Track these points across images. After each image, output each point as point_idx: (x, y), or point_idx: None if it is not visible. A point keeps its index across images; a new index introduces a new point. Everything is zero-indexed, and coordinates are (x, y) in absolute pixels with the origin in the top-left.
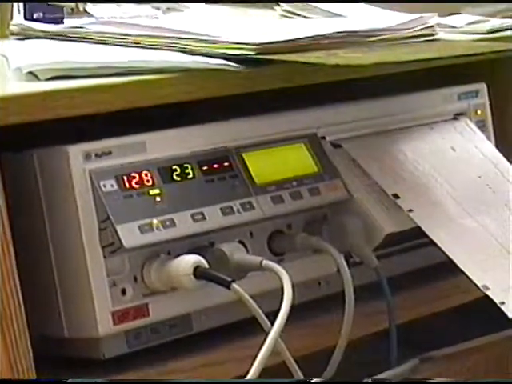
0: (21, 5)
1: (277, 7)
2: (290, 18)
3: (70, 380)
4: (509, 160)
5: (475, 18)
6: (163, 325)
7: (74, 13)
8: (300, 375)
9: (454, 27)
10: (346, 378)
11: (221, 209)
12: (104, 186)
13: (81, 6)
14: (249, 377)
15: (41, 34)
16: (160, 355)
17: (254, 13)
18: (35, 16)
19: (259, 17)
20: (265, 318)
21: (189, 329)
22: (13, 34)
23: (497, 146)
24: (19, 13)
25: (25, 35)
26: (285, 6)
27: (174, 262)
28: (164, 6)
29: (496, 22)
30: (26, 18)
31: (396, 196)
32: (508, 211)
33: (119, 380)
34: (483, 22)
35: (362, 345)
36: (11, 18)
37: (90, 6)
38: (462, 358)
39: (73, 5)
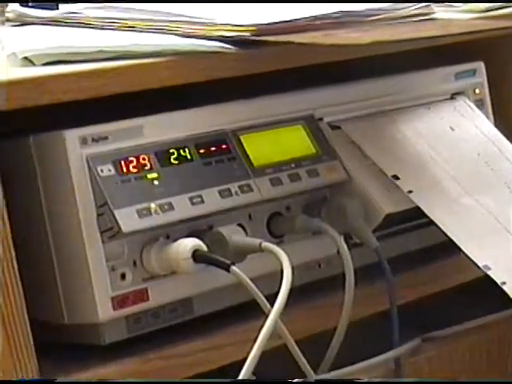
0: None
1: None
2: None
3: (58, 380)
4: (508, 138)
5: None
6: (163, 309)
7: None
8: (301, 357)
9: (451, 5)
10: (348, 360)
11: (219, 192)
12: (101, 170)
13: None
14: (249, 359)
15: (36, 20)
16: (160, 340)
17: None
18: (30, 2)
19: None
20: (265, 301)
21: (189, 313)
22: (8, 20)
23: (495, 125)
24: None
25: (20, 21)
26: None
27: (173, 245)
28: None
29: (493, 0)
30: (21, 4)
31: (396, 177)
32: (508, 190)
33: (109, 380)
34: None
35: (364, 326)
36: (6, 4)
37: None
38: (464, 338)
39: None
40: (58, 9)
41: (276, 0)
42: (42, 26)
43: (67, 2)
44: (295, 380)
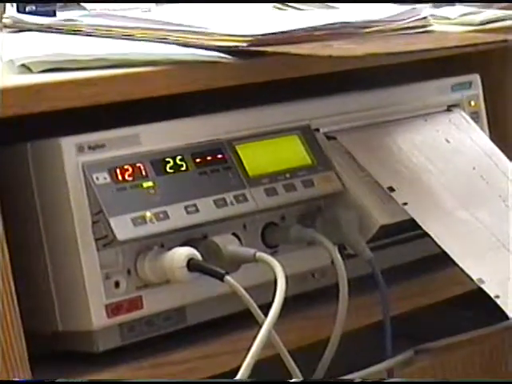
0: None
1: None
2: (284, 9)
3: (58, 380)
4: (503, 151)
5: (468, 9)
6: (157, 317)
7: (66, 5)
8: (294, 367)
9: (447, 18)
10: (341, 371)
11: (214, 201)
12: (97, 178)
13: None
14: (242, 369)
15: (33, 27)
16: (154, 348)
17: (249, 5)
18: (28, 9)
19: (254, 9)
20: (258, 311)
21: (183, 321)
22: (6, 26)
23: (491, 138)
24: (12, 6)
25: (17, 28)
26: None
27: (167, 254)
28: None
29: (489, 14)
30: (18, 11)
31: (391, 189)
32: (503, 203)
33: (109, 380)
34: (476, 13)
35: (357, 337)
36: (4, 10)
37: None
38: (457, 350)
39: None
40: (55, 16)
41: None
42: (40, 33)
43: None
44: (293, 380)
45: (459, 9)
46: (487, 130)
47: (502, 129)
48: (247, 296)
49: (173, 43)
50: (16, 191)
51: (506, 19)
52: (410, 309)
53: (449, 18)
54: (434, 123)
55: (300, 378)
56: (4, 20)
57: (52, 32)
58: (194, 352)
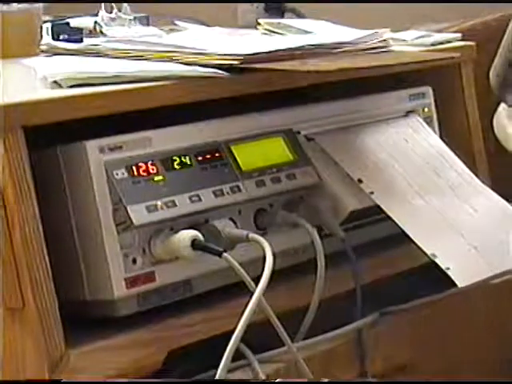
0: (49, 28)
1: (259, 26)
2: (270, 34)
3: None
4: (452, 149)
5: (422, 33)
6: (167, 288)
7: (91, 34)
8: (280, 328)
9: (404, 40)
10: (319, 330)
11: (213, 191)
12: (116, 174)
13: (98, 28)
14: (237, 330)
15: (64, 51)
16: (165, 313)
17: (241, 31)
18: (60, 37)
19: (245, 34)
20: (251, 281)
21: (189, 291)
22: (42, 51)
23: (441, 138)
24: (47, 34)
25: (52, 52)
26: (265, 25)
27: (175, 236)
28: (166, 27)
29: (438, 37)
30: (53, 39)
31: (360, 180)
32: (452, 192)
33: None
34: (428, 36)
35: (332, 303)
36: (41, 38)
37: (105, 28)
38: (415, 312)
39: (91, 27)
40: (82, 41)
41: None
42: (70, 56)
43: None
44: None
45: (414, 33)
46: (438, 132)
47: (450, 130)
48: (241, 269)
49: (178, 62)
50: (50, 187)
51: (452, 41)
52: (376, 278)
53: (405, 40)
54: (394, 126)
55: (285, 337)
56: (41, 46)
57: (79, 55)
58: (198, 316)
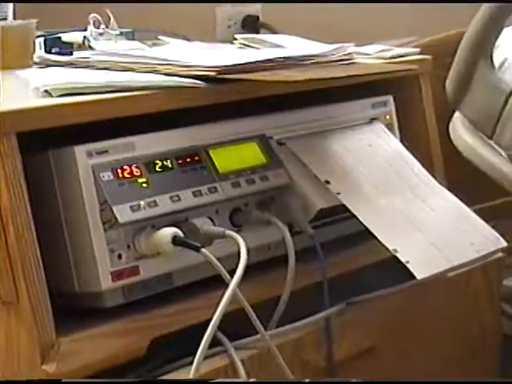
0: (42, 42)
1: (235, 41)
2: (245, 48)
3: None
4: (411, 153)
5: (383, 47)
6: (150, 281)
7: (81, 47)
8: (254, 317)
9: (367, 54)
10: (290, 319)
11: (192, 192)
12: (103, 176)
13: (86, 42)
14: (214, 319)
15: (56, 63)
16: (148, 305)
17: (219, 45)
18: (52, 50)
19: (222, 48)
20: (226, 274)
21: (170, 284)
22: (35, 63)
23: (402, 142)
24: (40, 48)
25: (44, 64)
26: (241, 40)
27: (157, 233)
28: (150, 42)
29: (397, 50)
30: (45, 52)
31: (327, 182)
32: (411, 192)
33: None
34: (388, 50)
35: (302, 294)
36: (34, 51)
37: (93, 42)
38: (378, 302)
39: (80, 42)
40: (72, 54)
41: None
42: (60, 68)
43: None
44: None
45: (375, 47)
46: (399, 137)
47: (410, 136)
48: (218, 264)
49: (159, 73)
50: (42, 188)
51: (410, 55)
52: (343, 272)
53: (368, 54)
54: (359, 132)
55: (259, 325)
56: (34, 59)
57: (69, 67)
58: (179, 307)
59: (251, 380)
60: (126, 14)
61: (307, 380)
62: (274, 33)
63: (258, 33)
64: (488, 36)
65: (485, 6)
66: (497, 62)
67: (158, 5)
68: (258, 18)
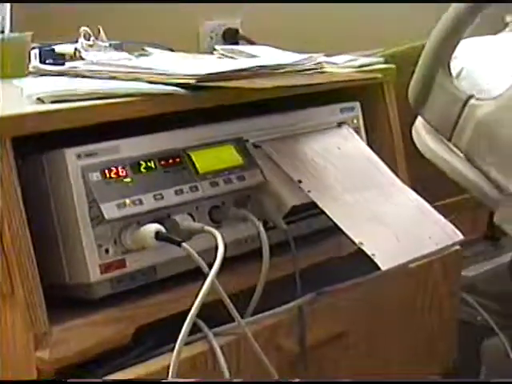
0: (37, 53)
1: (215, 52)
2: (224, 58)
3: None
4: (377, 154)
5: (350, 57)
6: (136, 273)
7: (72, 58)
8: (231, 306)
9: (335, 63)
10: (265, 308)
11: (174, 191)
12: (91, 176)
13: (77, 53)
14: (193, 308)
15: (49, 73)
16: (134, 295)
17: (200, 55)
18: (46, 61)
19: (202, 58)
20: (206, 266)
21: (154, 276)
22: (30, 73)
23: (368, 145)
24: (35, 59)
25: (39, 74)
26: (220, 50)
27: (141, 229)
28: (137, 53)
29: (363, 60)
30: (40, 62)
31: (299, 181)
32: (376, 190)
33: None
34: (355, 60)
35: (276, 284)
36: (29, 62)
37: (84, 53)
38: (347, 292)
39: (72, 53)
40: (64, 65)
41: None
42: (53, 77)
43: None
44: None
45: (344, 57)
46: (365, 140)
47: (375, 138)
48: (197, 257)
49: (143, 81)
50: (35, 188)
51: (375, 64)
52: (314, 263)
53: (336, 64)
54: (329, 135)
55: (235, 313)
56: (30, 68)
57: (61, 76)
58: (162, 297)
59: (249, 380)
60: (115, 26)
61: (297, 380)
62: (252, 44)
63: (237, 44)
64: (446, 47)
65: (443, 20)
66: (454, 72)
67: (146, 18)
68: (237, 30)
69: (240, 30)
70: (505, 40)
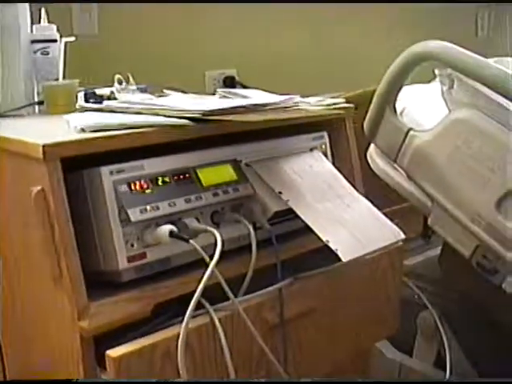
0: (82, 95)
1: (217, 93)
2: (224, 98)
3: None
4: (340, 172)
5: (320, 98)
6: (154, 263)
7: (109, 98)
8: (227, 288)
9: (309, 102)
10: (253, 290)
11: (184, 199)
12: (120, 188)
13: (112, 95)
14: (198, 289)
15: (91, 109)
16: (152, 280)
17: (206, 96)
18: (89, 100)
19: (208, 98)
20: (207, 257)
21: (168, 265)
22: (77, 110)
23: (334, 165)
24: (81, 99)
25: (83, 110)
26: (221, 92)
27: (158, 228)
28: (157, 94)
29: (330, 101)
30: (85, 101)
31: (280, 192)
32: (338, 199)
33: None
34: (324, 100)
35: (261, 272)
36: (76, 101)
37: (117, 95)
38: (318, 277)
39: (108, 94)
40: (102, 103)
41: None
42: (94, 112)
43: None
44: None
45: (315, 98)
46: (331, 161)
47: (339, 160)
48: (201, 250)
49: (162, 115)
50: (78, 196)
51: (339, 103)
52: (293, 255)
53: (309, 103)
54: (303, 158)
55: (230, 294)
56: (77, 106)
57: (100, 112)
58: (173, 281)
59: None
60: (142, 73)
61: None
62: (245, 88)
63: (234, 87)
64: (392, 92)
65: (389, 71)
66: (398, 110)
67: (165, 67)
68: (234, 77)
69: (236, 77)
70: (434, 87)
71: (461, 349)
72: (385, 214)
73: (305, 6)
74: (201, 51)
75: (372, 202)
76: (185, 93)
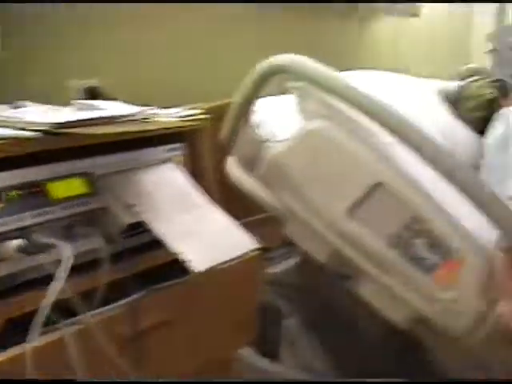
0: None
1: (72, 105)
2: (80, 110)
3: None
4: (197, 183)
5: (178, 109)
6: (4, 278)
7: None
8: (79, 302)
9: (168, 114)
10: (108, 302)
11: (33, 214)
12: None
13: None
14: (43, 305)
15: None
16: (3, 295)
17: (61, 108)
18: None
19: (63, 110)
20: (58, 272)
21: (18, 280)
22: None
23: (192, 176)
24: None
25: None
26: (77, 104)
27: (6, 243)
28: (13, 105)
29: (188, 112)
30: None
31: (133, 205)
32: (194, 211)
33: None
34: (181, 111)
35: (118, 284)
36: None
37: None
38: (171, 289)
39: None
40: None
41: None
42: None
43: None
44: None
45: (174, 109)
46: (188, 172)
47: (195, 170)
48: (48, 265)
49: (13, 128)
50: None
51: (196, 115)
52: (147, 268)
53: (169, 114)
54: (158, 169)
55: (82, 309)
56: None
57: None
58: (24, 296)
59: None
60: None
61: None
62: (107, 99)
63: (96, 99)
64: (247, 104)
65: (244, 84)
66: (255, 121)
67: (20, 80)
68: (96, 87)
69: (99, 87)
70: (288, 100)
71: (325, 351)
72: (246, 224)
73: (169, 14)
74: (63, 60)
75: (229, 213)
76: (45, 104)
